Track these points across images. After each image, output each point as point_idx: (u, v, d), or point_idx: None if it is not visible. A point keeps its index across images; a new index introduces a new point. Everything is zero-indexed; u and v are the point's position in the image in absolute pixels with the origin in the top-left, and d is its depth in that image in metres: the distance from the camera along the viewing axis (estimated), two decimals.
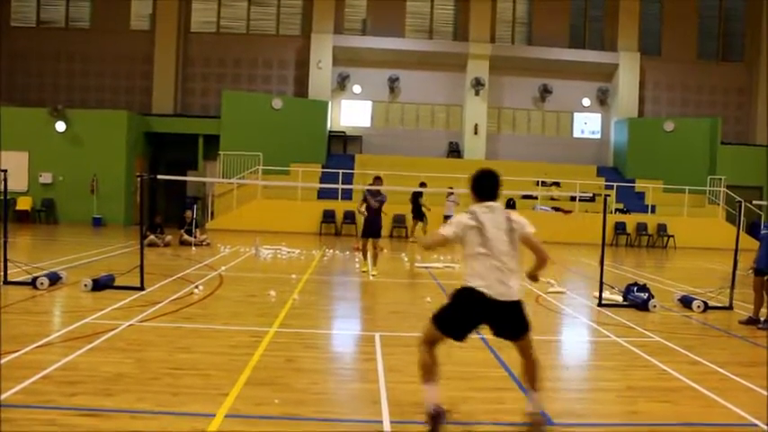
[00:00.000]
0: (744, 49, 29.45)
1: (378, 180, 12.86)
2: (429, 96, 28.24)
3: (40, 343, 6.01)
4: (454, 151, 27.80)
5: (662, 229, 23.44)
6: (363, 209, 12.69)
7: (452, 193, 20.39)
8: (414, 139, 28.00)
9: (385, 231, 17.26)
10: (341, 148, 27.38)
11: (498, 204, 4.39)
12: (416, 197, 19.74)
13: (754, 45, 28.99)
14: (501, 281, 4.13)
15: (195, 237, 16.56)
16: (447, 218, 20.48)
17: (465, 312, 4.21)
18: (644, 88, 28.73)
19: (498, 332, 4.28)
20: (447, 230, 4.32)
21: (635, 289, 9.85)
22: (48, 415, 4.26)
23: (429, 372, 4.28)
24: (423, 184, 20.03)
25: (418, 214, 19.82)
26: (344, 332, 7.61)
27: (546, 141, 28.64)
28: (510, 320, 4.23)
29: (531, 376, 4.35)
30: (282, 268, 12.84)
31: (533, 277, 4.64)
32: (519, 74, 28.27)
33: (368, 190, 12.88)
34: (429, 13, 28.32)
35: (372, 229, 12.77)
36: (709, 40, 29.41)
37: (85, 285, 8.93)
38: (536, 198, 24.04)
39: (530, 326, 4.27)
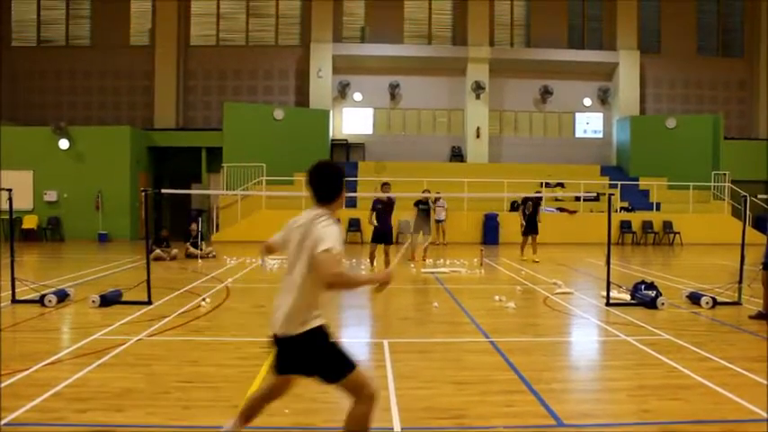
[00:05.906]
0: (743, 44, 29.43)
1: (385, 186, 12.97)
2: (430, 101, 28.28)
3: (49, 360, 6.03)
4: (457, 155, 27.81)
5: (668, 226, 23.36)
6: (374, 218, 12.82)
7: (440, 198, 20.17)
8: (416, 144, 28.04)
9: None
10: (344, 156, 27.41)
11: (315, 210, 3.44)
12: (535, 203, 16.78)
13: (754, 39, 28.98)
14: (277, 307, 3.48)
15: (201, 249, 16.58)
16: (439, 222, 20.42)
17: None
18: (645, 86, 28.71)
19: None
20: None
21: (643, 287, 9.82)
22: None
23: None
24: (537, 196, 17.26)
25: (532, 226, 16.36)
26: (353, 340, 7.58)
27: (548, 142, 28.63)
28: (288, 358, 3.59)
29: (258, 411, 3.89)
30: None
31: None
32: (519, 76, 28.30)
33: (376, 199, 13.02)
34: (427, 18, 28.37)
35: (378, 235, 12.86)
36: (709, 36, 29.40)
37: (93, 301, 8.95)
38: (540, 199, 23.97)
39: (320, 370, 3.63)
